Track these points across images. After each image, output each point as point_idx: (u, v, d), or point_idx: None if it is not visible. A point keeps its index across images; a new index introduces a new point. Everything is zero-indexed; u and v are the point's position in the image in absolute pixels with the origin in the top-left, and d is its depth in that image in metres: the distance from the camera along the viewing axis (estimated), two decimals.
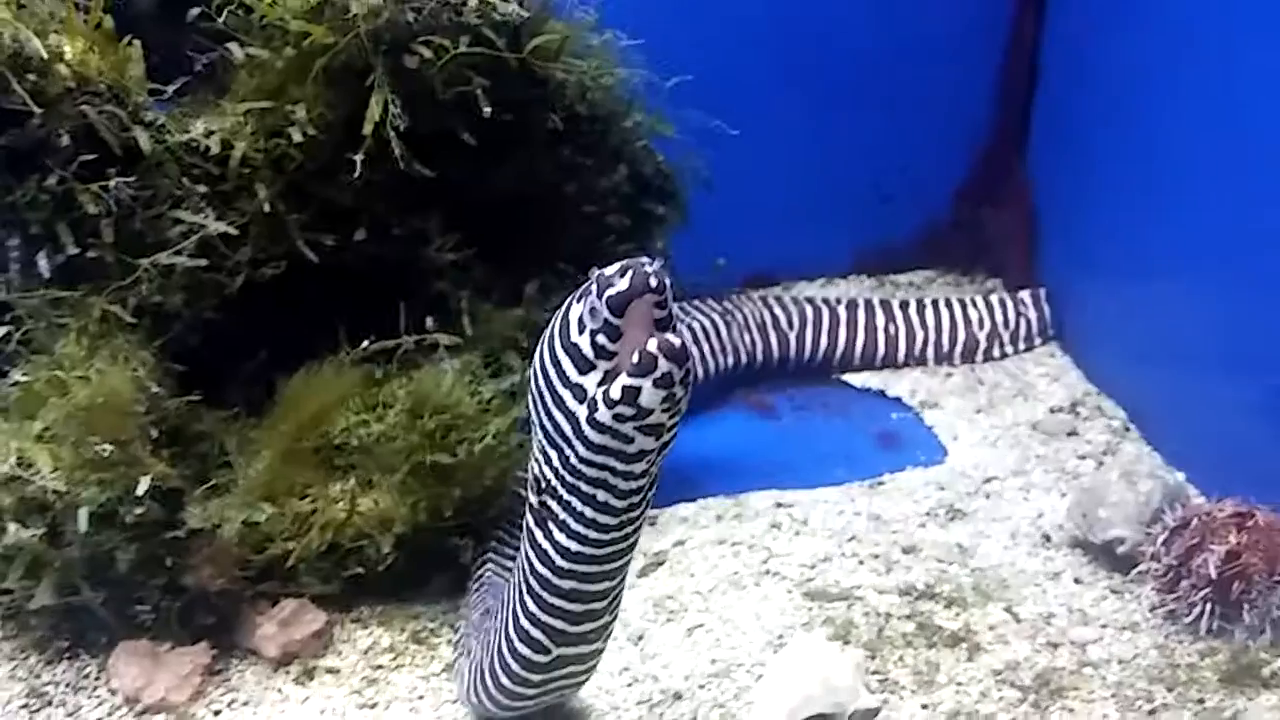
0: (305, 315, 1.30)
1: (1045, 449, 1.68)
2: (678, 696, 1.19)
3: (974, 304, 2.01)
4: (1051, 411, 1.77)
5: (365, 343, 1.25)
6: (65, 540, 1.10)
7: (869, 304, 1.99)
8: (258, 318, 1.27)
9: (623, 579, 0.95)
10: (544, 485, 0.88)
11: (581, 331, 0.82)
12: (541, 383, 0.86)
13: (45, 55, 1.08)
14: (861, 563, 1.41)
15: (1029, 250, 2.06)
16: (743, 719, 1.14)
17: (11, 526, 1.07)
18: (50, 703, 1.18)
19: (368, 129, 1.23)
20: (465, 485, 1.24)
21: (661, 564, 1.42)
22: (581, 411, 0.82)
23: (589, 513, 0.87)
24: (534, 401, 0.87)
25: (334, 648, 1.25)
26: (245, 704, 1.19)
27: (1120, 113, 1.77)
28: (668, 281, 0.81)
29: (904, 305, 2.00)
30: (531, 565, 0.93)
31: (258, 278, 1.25)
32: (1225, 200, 1.51)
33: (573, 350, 0.82)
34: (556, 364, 0.83)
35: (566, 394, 0.83)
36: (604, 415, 0.80)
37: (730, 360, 1.83)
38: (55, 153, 1.11)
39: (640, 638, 1.28)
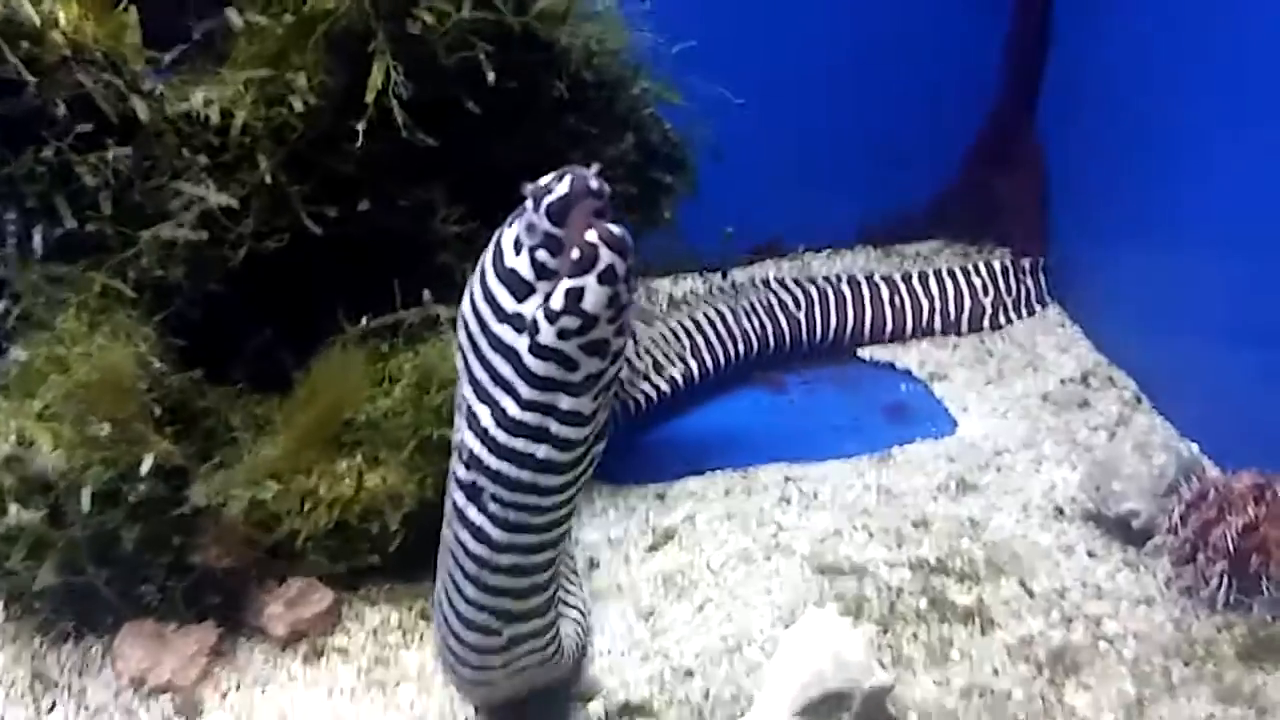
0: (309, 288, 1.28)
1: (1056, 420, 1.66)
2: (689, 674, 1.18)
3: (976, 271, 2.00)
4: (1062, 383, 1.75)
5: (364, 320, 1.23)
6: (68, 520, 1.08)
7: (871, 279, 1.98)
8: (261, 291, 1.25)
9: (567, 539, 0.92)
10: (472, 455, 0.83)
11: (519, 252, 0.76)
12: (473, 327, 0.80)
13: (39, 22, 1.05)
14: (872, 537, 1.40)
15: (1039, 218, 2.04)
16: (755, 697, 1.13)
17: (13, 507, 1.05)
18: (55, 685, 1.17)
19: (369, 97, 1.20)
20: None
21: (670, 539, 1.40)
22: (522, 343, 0.77)
23: (527, 476, 0.81)
24: (463, 354, 0.82)
25: (342, 626, 1.24)
26: (254, 684, 1.17)
27: (1133, 77, 1.74)
28: (607, 188, 0.76)
29: (906, 277, 1.98)
30: (465, 547, 0.87)
31: (261, 250, 1.22)
32: (1238, 167, 1.49)
33: (510, 277, 0.77)
34: (491, 299, 0.78)
35: (504, 329, 0.77)
36: (547, 335, 0.75)
37: (742, 348, 1.81)
38: (51, 123, 1.09)
39: (651, 614, 1.27)
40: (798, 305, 1.89)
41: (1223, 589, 1.22)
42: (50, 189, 1.09)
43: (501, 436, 0.80)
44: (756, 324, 1.84)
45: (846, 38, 1.94)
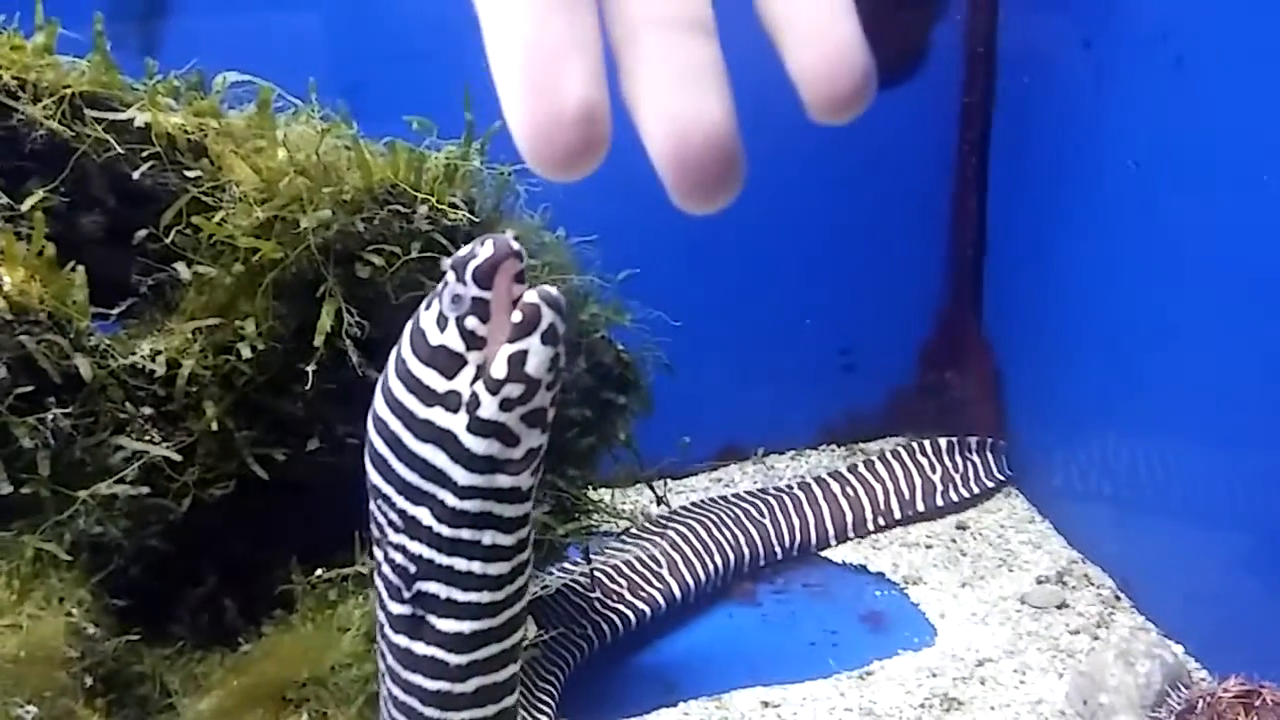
0: (256, 533, 1.24)
1: (1036, 624, 1.62)
2: None
3: (921, 450, 2.00)
4: (1038, 582, 1.72)
5: (317, 570, 1.19)
6: None
7: (820, 479, 1.96)
8: (205, 539, 1.21)
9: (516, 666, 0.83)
10: (413, 570, 0.77)
11: (444, 328, 0.73)
12: (394, 426, 0.75)
13: None
14: None
15: (996, 412, 2.06)
16: None
17: None
18: None
19: (319, 340, 1.20)
20: None
21: None
22: (458, 422, 0.73)
23: (478, 568, 0.76)
24: (380, 467, 0.77)
25: None
26: None
27: (1068, 276, 1.80)
28: (524, 250, 0.74)
29: (853, 469, 1.98)
30: (421, 691, 0.80)
31: (205, 499, 1.19)
32: (1187, 354, 1.52)
33: (436, 356, 0.73)
34: (415, 387, 0.74)
35: (435, 413, 0.73)
36: (489, 408, 0.71)
37: (716, 562, 1.76)
38: None
39: None
40: (761, 514, 1.86)
41: None
42: None
43: (445, 531, 0.75)
44: (729, 536, 1.80)
45: (798, 250, 2.01)
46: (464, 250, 0.75)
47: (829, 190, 1.98)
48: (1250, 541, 1.41)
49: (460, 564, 0.76)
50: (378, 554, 0.82)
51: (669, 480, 1.96)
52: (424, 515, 0.76)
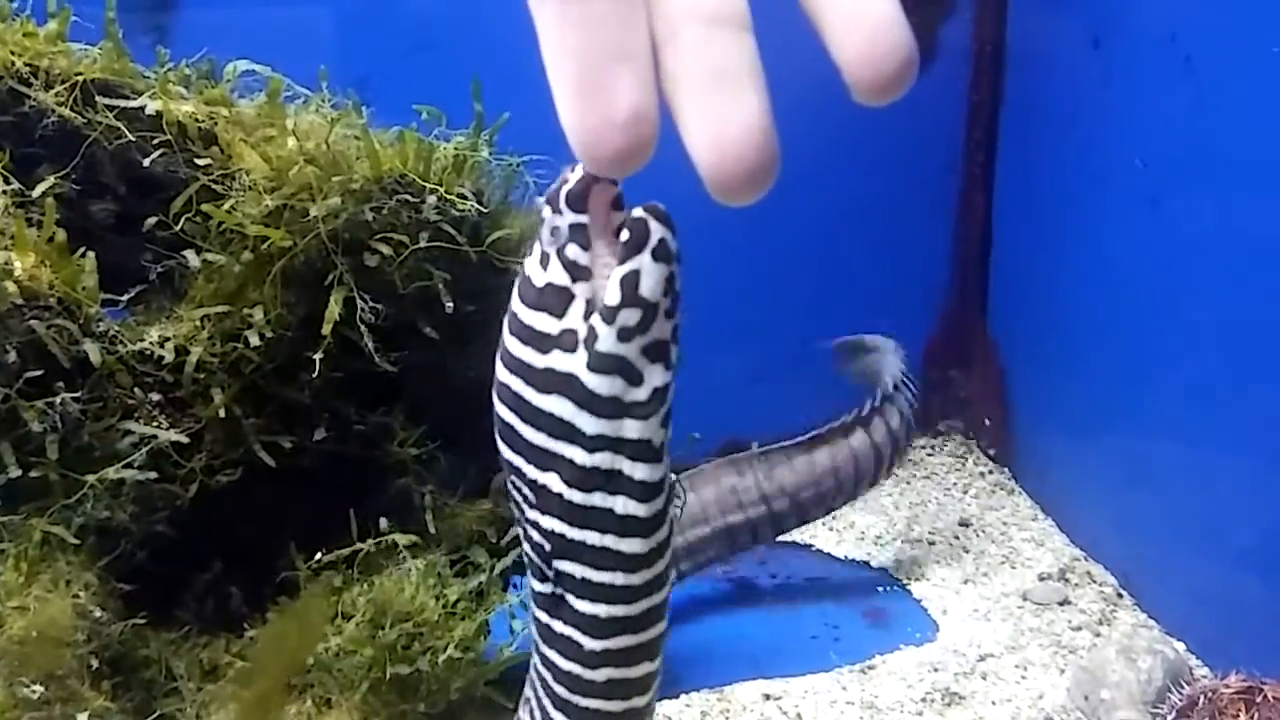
0: (262, 520, 1.25)
1: (1038, 620, 1.62)
2: None
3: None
4: (1040, 579, 1.73)
5: (318, 555, 1.19)
6: None
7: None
8: (211, 526, 1.22)
9: (659, 663, 0.77)
10: (548, 548, 0.71)
11: (547, 265, 0.67)
12: (516, 387, 0.69)
13: None
14: None
15: (1001, 411, 2.06)
16: None
17: None
18: None
19: (326, 329, 1.20)
20: (430, 699, 1.17)
21: None
22: (578, 361, 0.66)
23: (611, 542, 0.70)
24: (509, 436, 0.71)
25: None
26: None
27: (1073, 275, 1.80)
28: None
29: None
30: (555, 669, 0.76)
31: (212, 485, 1.20)
32: (1191, 354, 1.52)
33: (544, 296, 0.67)
34: (529, 336, 0.68)
35: (553, 358, 0.67)
36: (606, 339, 0.65)
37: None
38: (1, 370, 1.08)
39: None
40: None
41: None
42: None
43: (576, 496, 0.69)
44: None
45: (805, 246, 2.01)
46: (550, 188, 0.69)
47: (835, 187, 1.98)
48: (1251, 539, 1.41)
49: (592, 538, 0.70)
50: (520, 533, 0.78)
51: (674, 475, 1.96)
52: (553, 481, 0.70)
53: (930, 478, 2.08)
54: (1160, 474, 1.61)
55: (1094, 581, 1.71)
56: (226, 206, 1.19)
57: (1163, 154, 1.56)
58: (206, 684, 1.15)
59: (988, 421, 2.08)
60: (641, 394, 0.67)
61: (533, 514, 0.73)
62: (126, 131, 1.20)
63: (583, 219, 0.66)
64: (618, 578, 0.71)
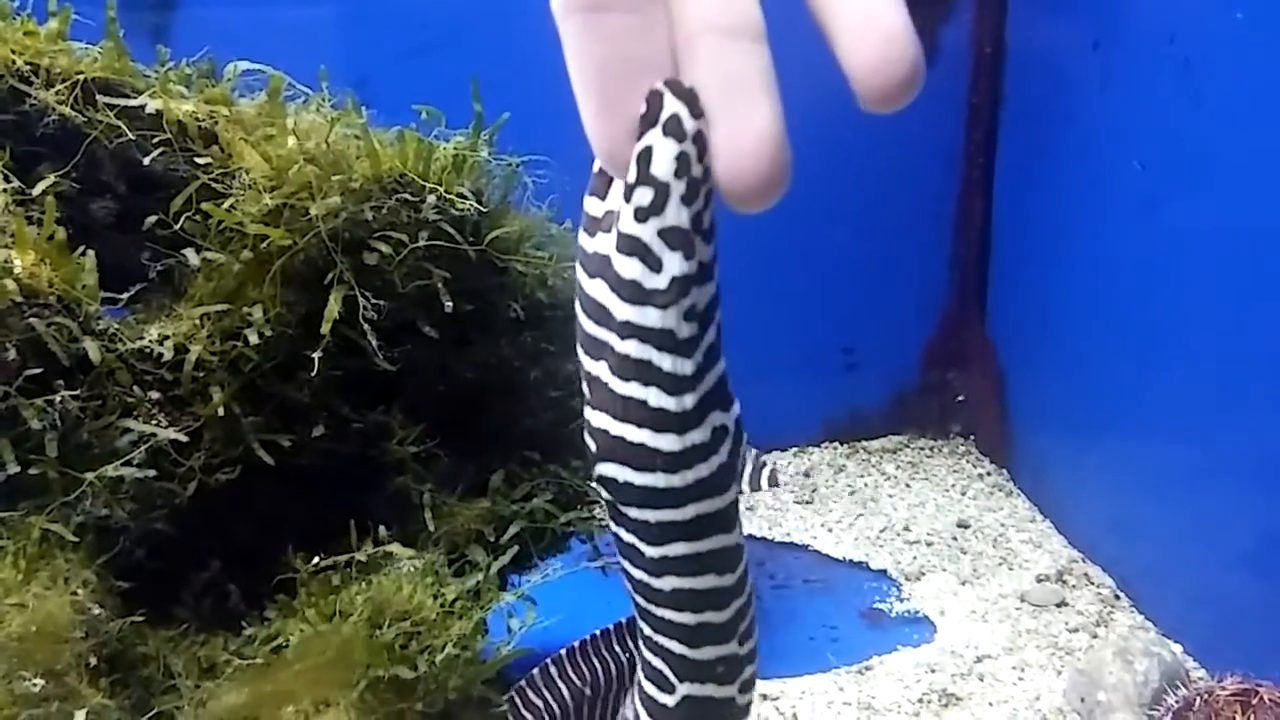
0: (260, 518, 1.25)
1: (1035, 622, 1.63)
2: None
3: None
4: (1038, 580, 1.73)
5: (316, 559, 1.20)
6: None
7: None
8: (210, 524, 1.22)
9: (741, 575, 0.73)
10: (594, 449, 0.69)
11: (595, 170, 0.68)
12: (579, 275, 0.69)
13: None
14: None
15: (999, 412, 2.06)
16: None
17: None
18: None
19: (326, 327, 1.21)
20: (427, 699, 1.17)
21: None
22: (608, 242, 0.66)
23: (648, 438, 0.67)
24: (577, 332, 0.70)
25: None
26: None
27: (1072, 277, 1.80)
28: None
29: None
30: (631, 579, 0.74)
31: (211, 483, 1.20)
32: (1189, 356, 1.52)
33: (595, 181, 0.68)
34: (586, 223, 0.69)
35: (596, 241, 0.67)
36: (626, 219, 0.63)
37: None
38: (0, 367, 1.08)
39: None
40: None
41: None
42: None
43: (617, 385, 0.67)
44: None
45: (804, 248, 2.02)
46: None
47: (835, 189, 1.98)
48: (1248, 542, 1.41)
49: (630, 432, 0.68)
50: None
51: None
52: (603, 371, 0.68)
53: (928, 479, 2.09)
54: (1158, 476, 1.61)
55: (1091, 583, 1.71)
56: (226, 205, 1.20)
57: (1161, 156, 1.56)
58: (204, 682, 1.15)
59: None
60: (660, 281, 0.65)
61: (591, 413, 0.71)
62: (127, 130, 1.20)
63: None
64: (658, 479, 0.68)
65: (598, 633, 1.50)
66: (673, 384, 0.68)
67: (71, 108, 1.19)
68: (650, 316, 0.66)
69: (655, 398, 0.68)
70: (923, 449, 2.17)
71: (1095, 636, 1.57)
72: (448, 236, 1.25)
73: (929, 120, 2.01)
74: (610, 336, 0.68)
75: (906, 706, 1.46)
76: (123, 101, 1.21)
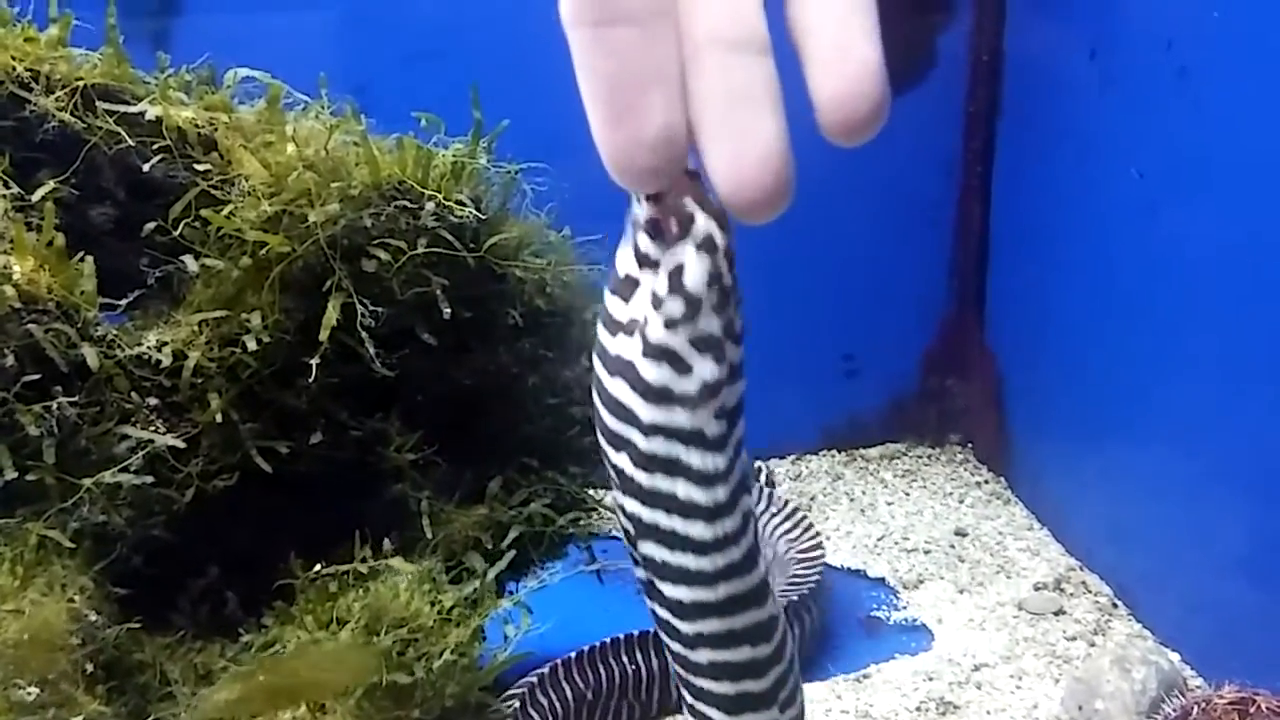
0: (258, 525, 1.25)
1: (1033, 630, 1.62)
2: None
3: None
4: (1035, 589, 1.73)
5: (317, 566, 1.20)
6: None
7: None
8: (207, 530, 1.22)
9: (779, 643, 0.74)
10: (630, 530, 0.71)
11: (624, 254, 0.68)
12: (597, 369, 0.70)
13: None
14: None
15: (997, 419, 2.07)
16: None
17: None
18: None
19: (324, 334, 1.21)
20: (424, 706, 1.17)
21: None
22: (635, 348, 0.67)
23: (679, 526, 0.70)
24: (596, 420, 0.72)
25: None
26: None
27: (1070, 285, 1.81)
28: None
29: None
30: (670, 651, 0.76)
31: (209, 490, 1.20)
32: (1187, 364, 1.52)
33: (617, 282, 0.68)
34: (606, 319, 0.69)
35: (619, 342, 0.68)
36: (655, 328, 0.65)
37: None
38: None
39: None
40: None
41: None
42: None
43: (642, 478, 0.70)
44: None
45: (802, 255, 2.01)
46: None
47: (833, 196, 1.98)
48: (1246, 550, 1.41)
49: (661, 519, 0.71)
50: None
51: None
52: (626, 463, 0.70)
53: (926, 487, 2.09)
54: (1156, 484, 1.61)
55: (1089, 591, 1.71)
56: (225, 212, 1.20)
57: (1159, 163, 1.57)
58: (201, 689, 1.15)
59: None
60: (690, 386, 0.67)
61: (618, 496, 0.72)
62: (126, 137, 1.21)
63: (655, 212, 0.65)
64: (689, 560, 0.70)
65: (607, 640, 1.51)
66: (703, 479, 0.69)
67: (71, 114, 1.20)
68: (679, 418, 0.68)
69: (684, 490, 0.69)
70: (921, 457, 2.17)
71: (1093, 645, 1.57)
72: (446, 243, 1.25)
73: (927, 128, 2.01)
74: (633, 433, 0.70)
75: (904, 715, 1.46)
76: (122, 108, 1.22)
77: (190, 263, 1.21)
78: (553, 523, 1.38)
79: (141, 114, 1.22)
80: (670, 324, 0.66)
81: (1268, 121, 1.36)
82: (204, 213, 1.20)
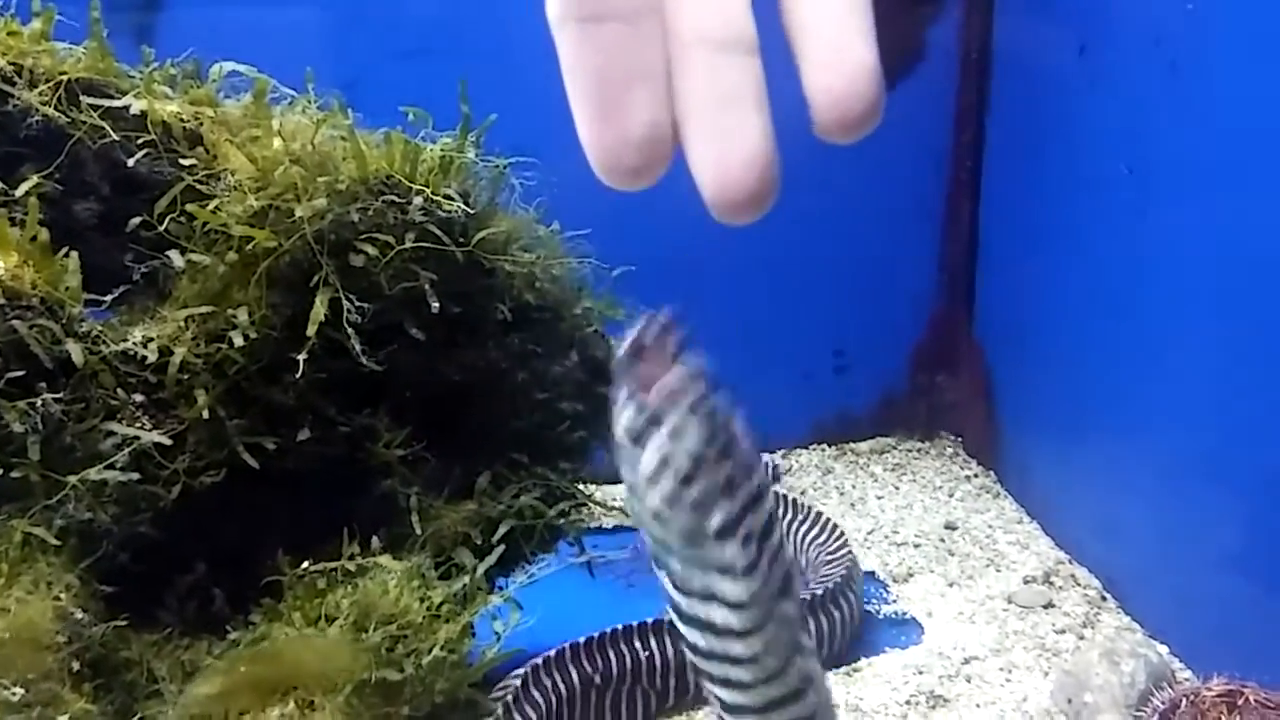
0: (245, 521, 1.24)
1: (1022, 623, 1.63)
2: None
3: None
4: (1025, 582, 1.73)
5: (305, 563, 1.19)
6: None
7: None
8: (194, 527, 1.21)
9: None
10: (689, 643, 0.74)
11: (617, 428, 0.74)
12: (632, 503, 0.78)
13: None
14: None
15: (986, 414, 2.07)
16: None
17: None
18: None
19: (311, 330, 1.20)
20: (414, 702, 1.16)
21: None
22: (644, 511, 0.69)
23: (719, 647, 0.73)
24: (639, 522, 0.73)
25: None
26: None
27: (1059, 281, 1.81)
28: (668, 326, 0.72)
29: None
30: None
31: (195, 486, 1.19)
32: (1176, 358, 1.53)
33: (621, 452, 0.74)
34: (624, 475, 0.70)
35: (634, 501, 0.70)
36: (652, 502, 0.67)
37: None
38: None
39: None
40: None
41: None
42: None
43: (681, 601, 0.73)
44: None
45: (792, 251, 2.01)
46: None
47: (822, 191, 1.98)
48: (1235, 543, 1.41)
49: (702, 641, 0.74)
50: None
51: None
52: (666, 582, 0.73)
53: (916, 481, 2.09)
54: (1145, 478, 1.61)
55: (1078, 585, 1.72)
56: (211, 207, 1.19)
57: (1149, 159, 1.57)
58: (188, 686, 1.14)
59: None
60: (710, 526, 0.66)
61: (675, 618, 0.74)
62: (111, 131, 1.20)
63: (633, 388, 0.67)
64: (734, 673, 0.73)
65: (618, 627, 1.51)
66: (734, 605, 0.70)
67: (55, 108, 1.19)
68: (709, 554, 0.68)
69: (722, 617, 0.71)
70: (910, 451, 2.17)
71: (1082, 638, 1.57)
72: (434, 238, 1.25)
73: (917, 123, 2.01)
74: (670, 560, 0.70)
75: (894, 708, 1.46)
76: (107, 102, 1.21)
77: (176, 258, 1.20)
78: (542, 516, 1.38)
79: (126, 108, 1.21)
80: (667, 500, 0.66)
81: (1256, 117, 1.36)
82: (190, 208, 1.19)
